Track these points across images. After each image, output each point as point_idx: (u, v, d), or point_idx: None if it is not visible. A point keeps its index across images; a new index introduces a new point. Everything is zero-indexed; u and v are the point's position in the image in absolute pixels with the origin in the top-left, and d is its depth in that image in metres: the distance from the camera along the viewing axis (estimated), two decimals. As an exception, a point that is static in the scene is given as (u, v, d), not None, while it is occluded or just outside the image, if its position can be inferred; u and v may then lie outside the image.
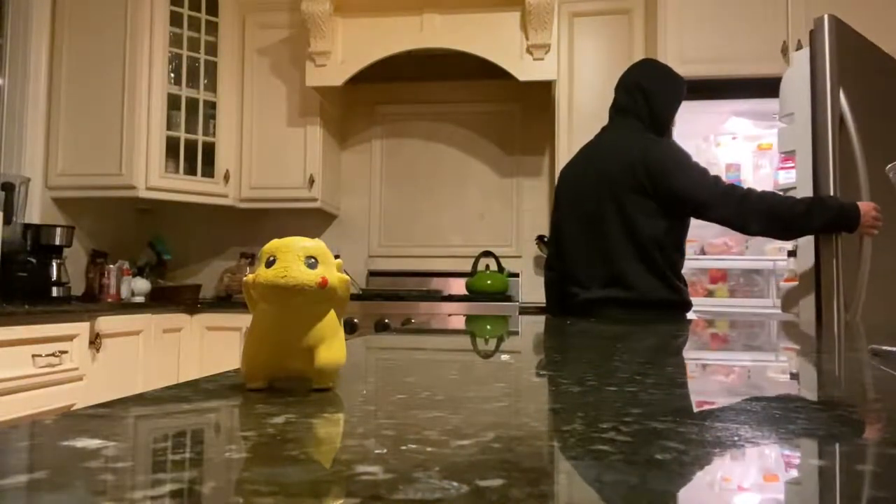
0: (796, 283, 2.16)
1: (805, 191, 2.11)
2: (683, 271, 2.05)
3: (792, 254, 2.25)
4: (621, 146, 2.02)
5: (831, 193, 2.06)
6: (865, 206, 1.89)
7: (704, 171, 1.93)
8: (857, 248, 2.01)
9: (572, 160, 2.20)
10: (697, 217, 1.95)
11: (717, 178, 1.93)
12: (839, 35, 2.09)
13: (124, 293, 3.23)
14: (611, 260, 1.98)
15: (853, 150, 2.04)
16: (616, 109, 2.16)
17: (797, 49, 2.90)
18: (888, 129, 2.24)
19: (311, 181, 3.43)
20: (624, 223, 1.95)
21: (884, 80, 2.28)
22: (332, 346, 0.49)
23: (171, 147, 3.28)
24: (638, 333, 1.19)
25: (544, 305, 2.35)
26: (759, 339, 1.13)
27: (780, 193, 1.95)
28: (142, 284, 3.31)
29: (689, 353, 0.89)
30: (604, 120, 3.40)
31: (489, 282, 3.23)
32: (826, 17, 2.10)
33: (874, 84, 2.24)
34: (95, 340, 2.54)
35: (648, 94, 2.07)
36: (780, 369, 0.72)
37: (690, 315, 2.03)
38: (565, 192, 2.17)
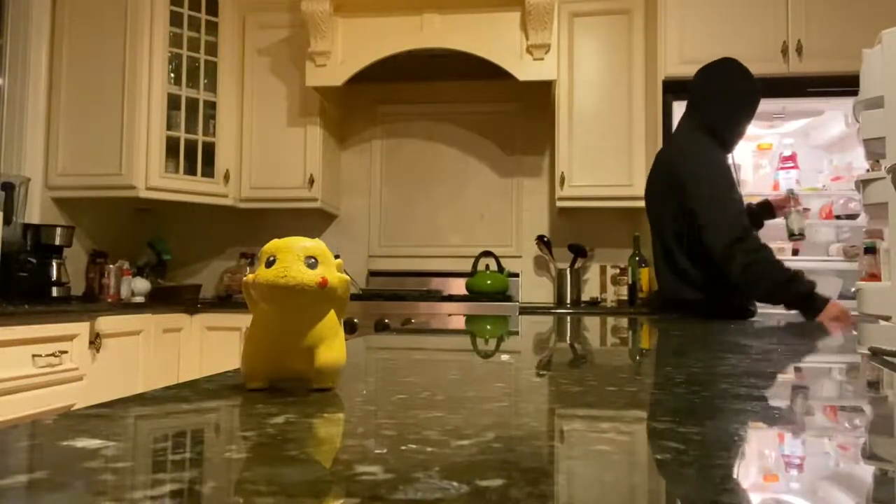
0: (882, 282, 2.00)
1: None
2: None
3: (869, 250, 2.13)
4: (666, 151, 2.05)
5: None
6: (834, 308, 1.79)
7: (724, 203, 1.85)
8: None
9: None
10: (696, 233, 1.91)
11: (735, 218, 1.84)
12: None
13: (124, 293, 3.23)
14: (658, 264, 2.03)
15: None
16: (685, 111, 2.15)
17: (797, 49, 2.90)
18: None
19: (311, 181, 3.43)
20: (664, 227, 1.98)
21: None
22: (332, 346, 0.49)
23: (171, 147, 3.28)
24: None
25: (548, 304, 2.35)
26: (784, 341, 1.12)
27: (772, 256, 1.84)
28: (142, 284, 3.31)
29: (685, 355, 0.89)
30: (603, 119, 3.40)
31: (489, 282, 3.23)
32: None
33: None
34: (95, 340, 2.54)
35: (703, 95, 2.05)
36: (787, 370, 0.72)
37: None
38: (646, 197, 2.22)
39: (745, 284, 1.86)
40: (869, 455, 0.33)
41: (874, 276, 2.05)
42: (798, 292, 1.81)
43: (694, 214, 1.86)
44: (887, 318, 1.88)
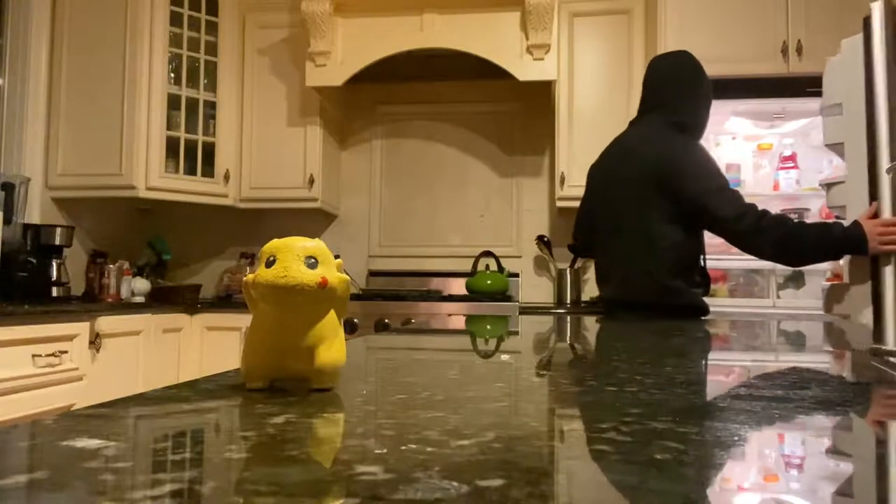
0: (842, 281, 1.94)
1: (856, 184, 1.94)
2: None
3: None
4: (642, 144, 1.97)
5: (886, 186, 1.88)
6: (868, 223, 1.68)
7: (724, 184, 1.86)
8: None
9: (600, 156, 2.16)
10: (708, 229, 1.89)
11: (735, 192, 1.85)
12: (891, 22, 1.99)
13: (124, 293, 3.23)
14: (618, 260, 1.98)
15: None
16: (642, 104, 2.09)
17: (797, 49, 2.90)
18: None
19: (311, 181, 3.43)
20: (631, 222, 1.93)
21: None
22: (332, 346, 0.49)
23: (171, 147, 3.28)
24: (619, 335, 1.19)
25: (548, 304, 2.35)
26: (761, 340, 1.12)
27: (792, 218, 1.83)
28: (142, 284, 3.31)
29: (690, 353, 0.89)
30: (603, 119, 3.39)
31: (489, 282, 3.23)
32: (880, 2, 2.00)
33: None
34: (95, 340, 2.54)
35: (671, 92, 2.00)
36: (783, 369, 0.72)
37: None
38: (593, 189, 2.16)
39: (783, 259, 1.84)
40: (866, 455, 0.33)
41: (839, 277, 2.08)
42: (832, 240, 1.73)
43: (702, 207, 1.84)
44: (846, 317, 1.94)
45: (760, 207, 1.83)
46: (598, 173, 2.14)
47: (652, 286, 1.90)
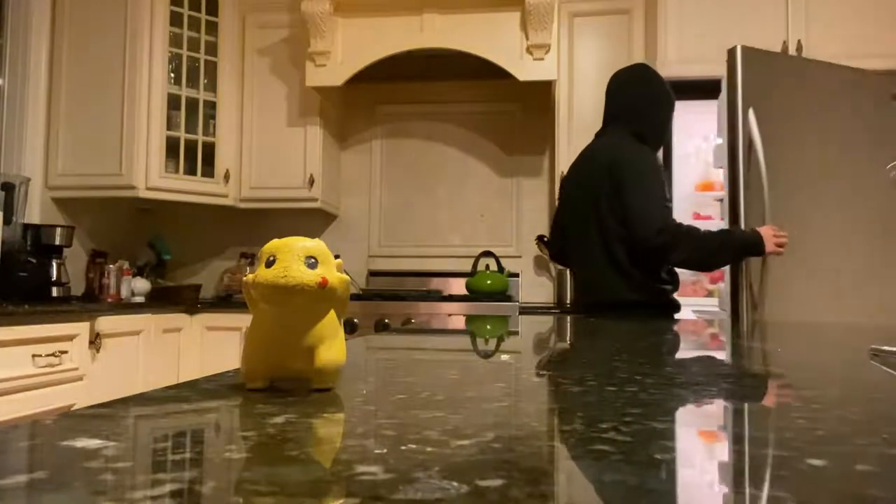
0: (722, 283, 2.30)
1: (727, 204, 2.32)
2: (682, 271, 2.08)
3: None
4: (601, 151, 2.07)
5: (741, 209, 2.22)
6: (766, 231, 1.98)
7: (658, 202, 1.93)
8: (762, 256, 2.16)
9: (569, 168, 2.26)
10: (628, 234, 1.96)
11: (662, 210, 1.93)
12: (752, 63, 2.31)
13: (124, 293, 3.23)
14: (588, 264, 2.05)
15: (760, 172, 2.24)
16: (604, 116, 2.18)
17: (797, 49, 2.91)
18: (799, 147, 2.40)
19: (311, 181, 3.43)
20: (597, 226, 2.01)
21: (799, 100, 2.43)
22: (332, 346, 0.49)
23: (171, 147, 3.28)
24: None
25: (548, 304, 2.38)
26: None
27: (701, 229, 1.97)
28: (142, 284, 3.31)
29: (664, 353, 0.89)
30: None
31: (489, 282, 3.23)
32: (739, 47, 2.32)
33: (788, 104, 2.40)
34: (95, 340, 2.54)
35: (629, 106, 2.09)
36: (774, 365, 0.72)
37: (688, 315, 2.07)
38: (563, 200, 2.26)
39: (691, 265, 2.01)
40: (867, 455, 0.33)
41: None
42: (734, 246, 1.98)
43: (628, 221, 1.93)
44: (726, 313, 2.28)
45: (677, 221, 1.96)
46: (567, 184, 2.23)
47: (620, 286, 1.98)
